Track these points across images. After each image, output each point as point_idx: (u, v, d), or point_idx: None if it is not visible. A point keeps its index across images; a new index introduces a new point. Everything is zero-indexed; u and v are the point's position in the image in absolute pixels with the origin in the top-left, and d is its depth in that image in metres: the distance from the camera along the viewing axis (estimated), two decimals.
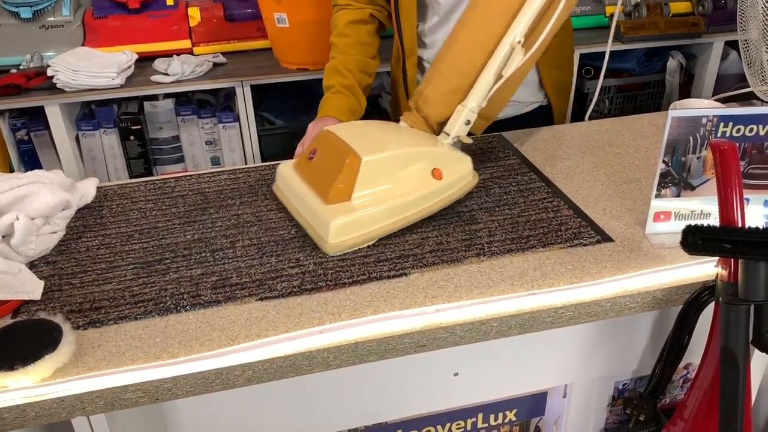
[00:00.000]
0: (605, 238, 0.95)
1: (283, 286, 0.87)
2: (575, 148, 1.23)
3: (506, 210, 1.03)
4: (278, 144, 2.04)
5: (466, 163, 1.04)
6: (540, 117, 1.40)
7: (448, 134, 1.02)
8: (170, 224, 1.02)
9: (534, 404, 0.99)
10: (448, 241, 0.95)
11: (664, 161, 0.91)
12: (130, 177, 2.08)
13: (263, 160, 2.05)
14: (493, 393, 0.96)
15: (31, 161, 2.07)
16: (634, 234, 0.95)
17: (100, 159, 2.05)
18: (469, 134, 1.04)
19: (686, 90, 2.25)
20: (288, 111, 2.08)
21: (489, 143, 1.26)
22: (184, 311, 0.83)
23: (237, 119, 2.02)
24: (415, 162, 0.97)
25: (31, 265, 0.93)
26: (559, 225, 0.98)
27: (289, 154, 1.14)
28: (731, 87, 2.29)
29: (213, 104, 2.09)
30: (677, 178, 0.92)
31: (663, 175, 0.92)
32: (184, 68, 1.88)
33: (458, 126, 1.01)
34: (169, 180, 1.16)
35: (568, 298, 0.83)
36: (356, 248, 0.93)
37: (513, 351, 0.93)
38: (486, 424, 0.98)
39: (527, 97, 1.36)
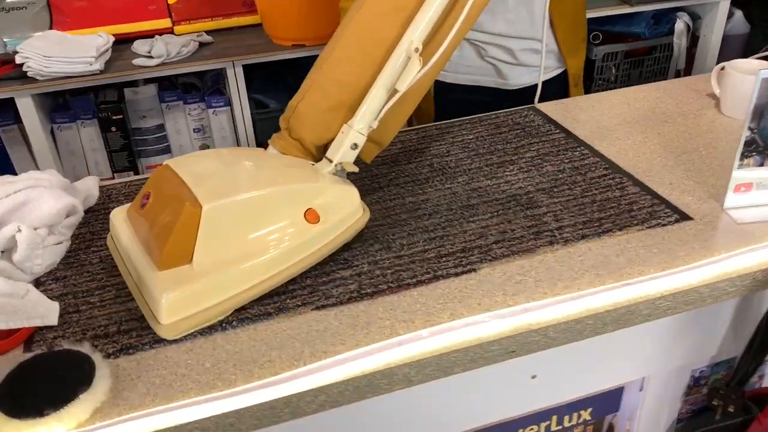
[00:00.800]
0: (683, 216, 0.86)
1: (339, 292, 0.76)
2: (618, 118, 1.14)
3: (566, 190, 0.93)
4: (274, 128, 1.90)
5: (351, 196, 0.81)
6: (560, 82, 1.32)
7: (331, 161, 0.81)
8: None
9: (609, 401, 0.91)
10: (512, 229, 0.85)
11: (749, 128, 0.82)
12: (113, 172, 1.92)
13: (258, 146, 1.92)
14: (571, 393, 0.87)
15: None
16: (711, 209, 0.87)
17: (78, 154, 1.89)
18: (358, 162, 0.83)
19: (690, 53, 2.18)
20: (282, 92, 1.94)
21: (524, 117, 1.16)
22: (230, 328, 0.71)
23: (228, 103, 1.87)
24: (280, 204, 0.75)
25: (37, 283, 0.80)
26: (629, 204, 0.89)
27: None
28: (736, 48, 2.24)
29: (200, 88, 1.94)
30: (761, 146, 0.84)
31: (747, 143, 0.83)
32: (168, 49, 1.72)
33: (343, 151, 0.80)
34: None
35: (666, 287, 0.74)
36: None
37: (591, 347, 0.84)
38: (560, 427, 0.89)
39: (547, 63, 1.27)
